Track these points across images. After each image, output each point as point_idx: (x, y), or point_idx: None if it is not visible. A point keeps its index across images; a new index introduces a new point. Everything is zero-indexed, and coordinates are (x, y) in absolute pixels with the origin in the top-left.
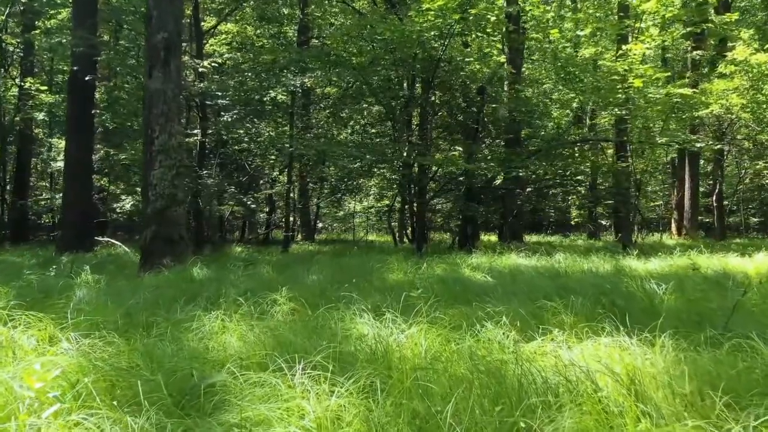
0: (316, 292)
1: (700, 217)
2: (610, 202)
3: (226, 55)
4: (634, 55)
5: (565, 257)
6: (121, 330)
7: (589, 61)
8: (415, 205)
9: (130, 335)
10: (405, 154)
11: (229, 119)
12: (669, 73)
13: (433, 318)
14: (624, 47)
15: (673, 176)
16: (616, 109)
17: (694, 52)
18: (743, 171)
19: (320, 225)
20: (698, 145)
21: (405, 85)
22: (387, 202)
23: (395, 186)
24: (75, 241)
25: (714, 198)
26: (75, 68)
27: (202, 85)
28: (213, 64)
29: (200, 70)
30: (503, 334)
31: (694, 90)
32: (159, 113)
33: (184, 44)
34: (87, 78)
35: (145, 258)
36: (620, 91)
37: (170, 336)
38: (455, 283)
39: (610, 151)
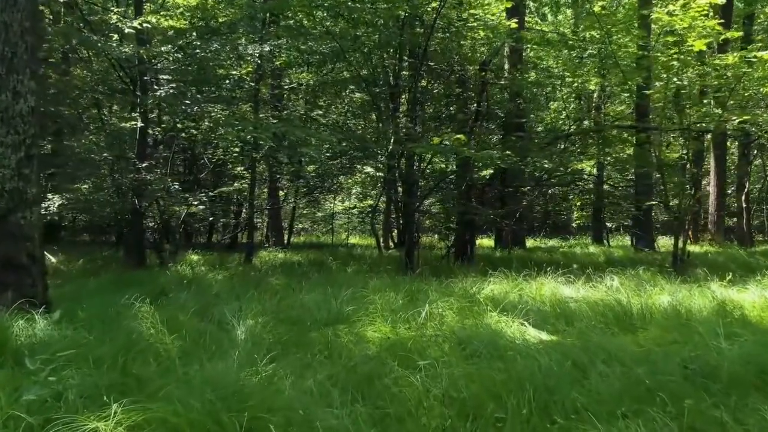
0: (223, 390)
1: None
2: (653, 202)
3: (162, 13)
4: (699, 6)
5: (621, 282)
6: None
7: (633, 18)
8: (402, 206)
9: None
10: (392, 140)
11: (164, 93)
12: (741, 33)
13: None
14: None
15: (683, 173)
16: (676, 79)
17: None
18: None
19: (299, 226)
20: None
21: (393, 68)
22: (371, 202)
23: (380, 184)
24: None
25: (743, 198)
26: None
27: (127, 49)
28: (145, 24)
29: (126, 30)
30: None
31: None
32: None
33: (122, 7)
34: None
35: None
36: (675, 57)
37: None
38: (488, 354)
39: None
